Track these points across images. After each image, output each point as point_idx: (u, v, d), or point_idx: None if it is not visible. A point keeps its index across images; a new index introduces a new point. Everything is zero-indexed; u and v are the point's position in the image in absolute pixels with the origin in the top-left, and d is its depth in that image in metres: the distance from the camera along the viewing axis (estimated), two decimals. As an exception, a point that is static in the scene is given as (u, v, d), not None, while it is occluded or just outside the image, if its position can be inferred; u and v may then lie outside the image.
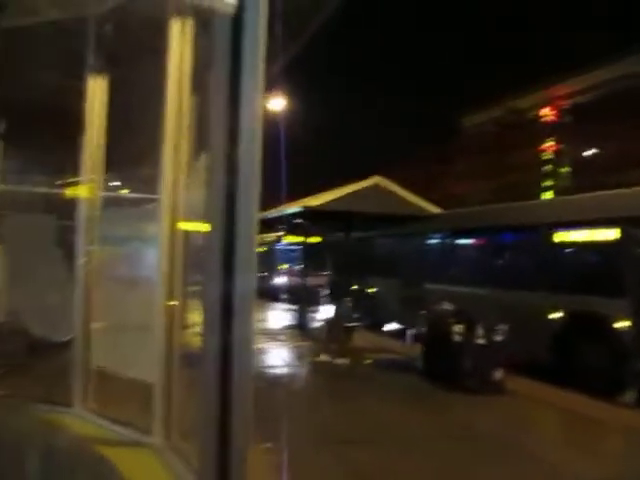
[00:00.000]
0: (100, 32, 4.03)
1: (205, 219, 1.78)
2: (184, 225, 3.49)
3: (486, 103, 35.22)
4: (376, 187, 12.44)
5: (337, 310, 10.47)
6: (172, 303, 3.46)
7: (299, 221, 14.73)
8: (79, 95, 4.15)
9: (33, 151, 4.79)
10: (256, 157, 1.61)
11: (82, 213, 4.11)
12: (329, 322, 10.35)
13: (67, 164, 4.63)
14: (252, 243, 1.60)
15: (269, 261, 26.29)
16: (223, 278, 1.56)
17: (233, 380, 1.58)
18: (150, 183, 3.76)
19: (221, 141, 1.62)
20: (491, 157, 29.75)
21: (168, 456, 3.20)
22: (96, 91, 4.08)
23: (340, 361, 10.06)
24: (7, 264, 4.64)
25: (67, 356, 4.10)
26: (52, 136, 4.43)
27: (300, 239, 19.39)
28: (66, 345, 4.15)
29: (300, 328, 14.62)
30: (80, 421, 3.90)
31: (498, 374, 8.33)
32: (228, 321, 1.58)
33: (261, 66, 1.66)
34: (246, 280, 1.58)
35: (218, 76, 1.67)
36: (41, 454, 3.71)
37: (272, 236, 26.80)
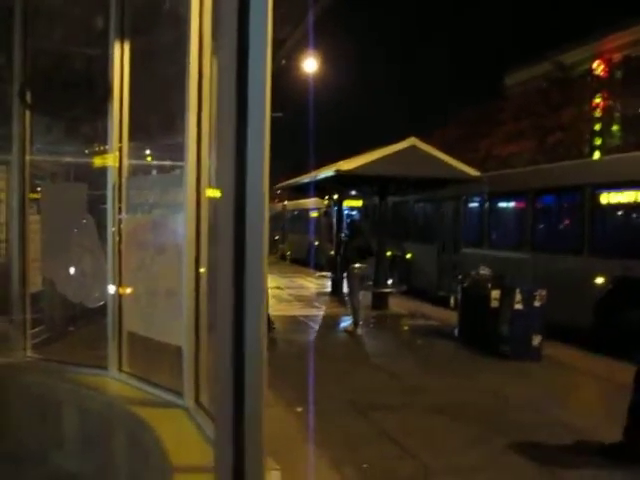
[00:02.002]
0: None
1: (217, 187, 1.86)
2: (210, 192, 3.57)
3: (530, 59, 34.04)
4: (412, 149, 12.25)
5: (366, 276, 10.55)
6: (199, 270, 3.57)
7: (333, 185, 14.75)
8: (105, 63, 4.24)
9: (62, 121, 4.94)
10: (265, 125, 1.66)
11: (111, 182, 4.25)
12: (359, 288, 10.44)
13: (95, 133, 4.77)
14: (262, 207, 1.67)
15: (306, 227, 26.50)
16: (234, 241, 1.64)
17: (246, 338, 1.67)
18: (176, 150, 3.85)
19: (228, 107, 1.67)
20: (535, 116, 28.87)
21: (198, 417, 3.37)
22: (120, 59, 4.17)
23: (363, 330, 10.16)
24: (43, 233, 4.85)
25: (101, 321, 4.30)
26: (80, 105, 4.55)
27: (333, 204, 19.47)
28: (100, 311, 4.34)
29: (336, 294, 14.80)
30: (115, 383, 4.11)
31: (536, 340, 8.31)
32: (240, 283, 1.66)
33: (269, 31, 1.69)
34: (257, 242, 1.66)
35: (224, 40, 1.71)
36: (78, 415, 3.95)
37: (306, 202, 26.96)
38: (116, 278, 4.20)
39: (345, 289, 12.10)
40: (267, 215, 1.73)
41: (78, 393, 4.01)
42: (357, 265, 10.37)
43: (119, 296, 4.20)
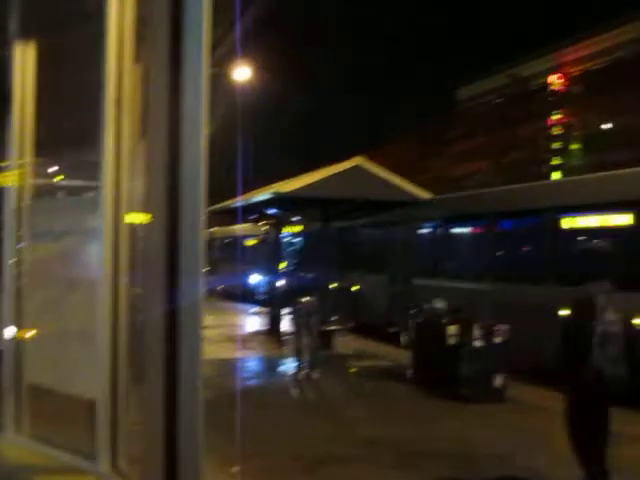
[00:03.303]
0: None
1: (146, 211, 1.79)
2: (131, 217, 3.46)
3: (483, 72, 35.41)
4: (358, 169, 12.45)
5: (314, 312, 10.49)
6: (118, 308, 3.43)
7: (271, 210, 14.73)
8: (3, 66, 4.08)
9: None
10: (201, 140, 1.62)
11: (10, 205, 4.06)
12: (305, 326, 10.37)
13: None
14: (198, 237, 1.61)
15: (238, 257, 26.31)
16: (166, 273, 1.57)
17: (180, 396, 1.59)
18: (90, 169, 3.72)
19: (161, 120, 1.62)
20: (490, 133, 29.94)
21: (115, 484, 3.20)
22: (23, 62, 4.02)
23: (315, 374, 10.10)
24: None
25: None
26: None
27: (269, 230, 19.42)
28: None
29: (273, 333, 14.66)
30: (13, 448, 3.86)
31: (499, 380, 8.47)
32: (173, 329, 1.59)
33: (207, 35, 1.66)
34: (192, 281, 1.59)
35: (156, 46, 1.67)
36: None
37: (239, 228, 26.82)
38: (15, 320, 3.98)
39: (285, 327, 12.03)
40: (203, 243, 1.67)
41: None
42: (303, 299, 10.30)
43: (19, 341, 3.97)
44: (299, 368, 10.21)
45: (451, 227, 13.96)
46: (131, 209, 3.38)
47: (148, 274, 1.65)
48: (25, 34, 4.01)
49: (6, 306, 4.03)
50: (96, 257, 3.50)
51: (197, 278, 1.63)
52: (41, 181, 4.35)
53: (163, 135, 1.62)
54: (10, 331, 4.01)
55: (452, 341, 8.88)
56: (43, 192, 4.35)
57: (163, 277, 1.58)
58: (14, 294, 4.00)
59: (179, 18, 1.65)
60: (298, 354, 10.31)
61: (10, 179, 4.11)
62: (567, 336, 5.08)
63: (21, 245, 4.06)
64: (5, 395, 3.99)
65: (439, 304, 9.90)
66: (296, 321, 10.49)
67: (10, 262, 4.06)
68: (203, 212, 1.67)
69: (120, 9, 3.27)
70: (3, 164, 4.24)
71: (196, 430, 1.62)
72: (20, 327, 3.97)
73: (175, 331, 1.58)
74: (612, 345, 4.84)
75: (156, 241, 1.60)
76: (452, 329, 8.94)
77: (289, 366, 10.69)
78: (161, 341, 1.59)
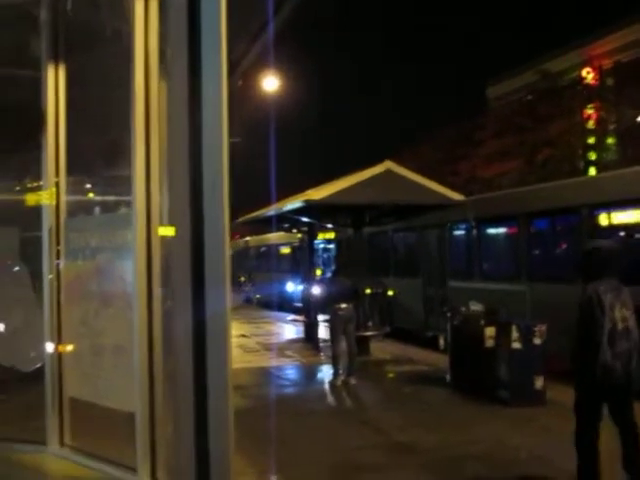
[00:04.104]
0: (56, 15, 4.06)
1: (170, 223, 1.81)
2: (163, 231, 3.50)
3: (512, 68, 34.99)
4: (388, 174, 12.39)
5: (351, 318, 10.46)
6: (153, 321, 3.48)
7: (303, 218, 14.77)
8: (37, 88, 4.18)
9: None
10: (222, 152, 1.63)
11: (47, 223, 4.15)
12: (342, 332, 10.34)
13: (27, 167, 4.67)
14: (222, 248, 1.62)
15: (274, 265, 26.43)
16: (192, 284, 1.58)
17: (210, 407, 1.60)
18: (122, 184, 3.79)
19: (181, 132, 1.64)
20: (521, 131, 29.56)
21: (155, 496, 3.23)
22: (55, 82, 4.11)
23: (353, 381, 10.07)
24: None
25: (38, 387, 4.14)
26: (9, 135, 4.47)
27: (303, 238, 19.46)
28: (36, 375, 4.19)
29: (310, 340, 14.68)
30: (56, 461, 3.94)
31: (539, 383, 8.31)
32: (200, 340, 1.60)
33: (224, 47, 1.67)
34: (218, 284, 1.60)
35: (175, 58, 1.69)
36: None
37: (273, 237, 26.95)
38: (54, 335, 4.06)
39: (322, 334, 12.04)
40: (228, 254, 1.68)
41: (12, 475, 3.83)
42: (342, 306, 10.27)
43: (59, 356, 4.05)
44: (336, 375, 10.18)
45: (485, 228, 13.83)
46: (162, 222, 3.42)
47: (174, 286, 1.67)
48: (55, 55, 4.11)
49: (45, 321, 4.11)
50: (130, 271, 3.56)
51: (223, 289, 1.64)
52: (75, 198, 4.44)
53: (183, 147, 1.64)
54: (50, 346, 4.10)
55: (490, 343, 8.76)
56: (78, 209, 4.45)
57: (188, 289, 1.59)
58: (53, 310, 4.09)
59: (197, 32, 1.67)
60: (335, 361, 10.29)
61: (46, 197, 4.20)
62: (578, 333, 5.00)
63: (58, 262, 4.14)
64: (47, 409, 4.07)
65: (475, 306, 9.78)
66: (333, 328, 10.46)
67: (48, 278, 4.15)
68: (227, 223, 1.68)
69: (145, 27, 3.33)
70: (38, 183, 4.34)
71: (226, 440, 1.63)
72: (59, 342, 4.05)
73: (202, 342, 1.59)
74: (624, 341, 4.76)
75: (180, 253, 1.62)
76: (489, 331, 8.82)
77: (326, 373, 10.67)
78: (189, 353, 1.60)
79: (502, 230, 13.80)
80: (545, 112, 29.19)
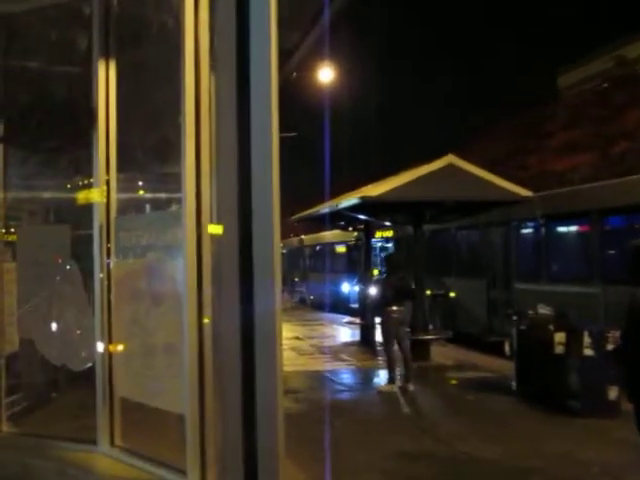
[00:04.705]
0: (106, 11, 4.20)
1: (219, 222, 1.86)
2: (213, 229, 3.58)
3: (585, 56, 34.09)
4: (450, 168, 12.28)
5: (403, 321, 10.43)
6: (202, 321, 3.56)
7: (359, 215, 14.78)
8: (88, 85, 4.33)
9: (39, 152, 5.03)
10: (272, 148, 1.66)
11: (97, 220, 4.29)
12: (395, 336, 10.32)
13: (78, 164, 4.84)
14: (272, 247, 1.66)
15: (329, 265, 26.52)
16: (240, 284, 1.62)
17: (258, 411, 1.64)
18: (172, 181, 3.89)
19: (230, 130, 1.68)
20: (595, 122, 28.77)
21: (205, 499, 3.31)
22: (105, 78, 4.25)
23: (411, 387, 10.03)
24: (20, 283, 4.88)
25: (89, 386, 4.29)
26: (60, 133, 4.64)
27: (359, 236, 19.46)
28: (87, 374, 4.34)
29: (366, 343, 14.69)
30: (106, 460, 4.07)
31: (613, 392, 8.11)
32: (249, 342, 1.64)
33: (274, 38, 1.71)
34: (268, 284, 1.64)
35: (223, 51, 1.74)
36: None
37: (329, 235, 27.03)
38: (105, 334, 4.20)
39: (379, 337, 12.01)
40: (279, 253, 1.71)
41: (63, 473, 3.98)
42: (395, 308, 10.24)
43: (109, 356, 4.19)
44: (392, 380, 10.16)
45: (554, 226, 13.56)
46: (213, 220, 3.50)
47: (222, 286, 1.72)
48: (106, 51, 4.25)
49: (96, 320, 4.26)
50: (180, 270, 3.65)
51: (272, 288, 1.68)
52: (126, 196, 4.57)
53: (231, 143, 1.68)
54: (100, 345, 4.24)
55: (560, 350, 8.60)
56: (128, 207, 4.58)
57: (236, 289, 1.63)
58: (103, 309, 4.23)
59: (245, 24, 1.70)
60: (390, 366, 10.27)
61: (97, 195, 4.35)
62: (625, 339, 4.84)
63: (109, 260, 4.28)
64: (98, 409, 4.21)
65: (544, 309, 9.61)
66: (386, 330, 10.45)
67: (99, 277, 4.29)
68: (277, 220, 1.72)
69: (195, 21, 3.41)
70: (89, 181, 4.49)
71: (275, 442, 1.67)
72: (109, 341, 4.19)
73: (250, 343, 1.63)
74: None
75: (228, 252, 1.66)
76: (559, 336, 8.66)
77: (383, 378, 10.66)
78: (237, 355, 1.65)
79: (573, 228, 13.50)
80: (621, 101, 28.35)
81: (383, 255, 21.85)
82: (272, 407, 1.63)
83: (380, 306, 10.74)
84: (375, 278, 15.65)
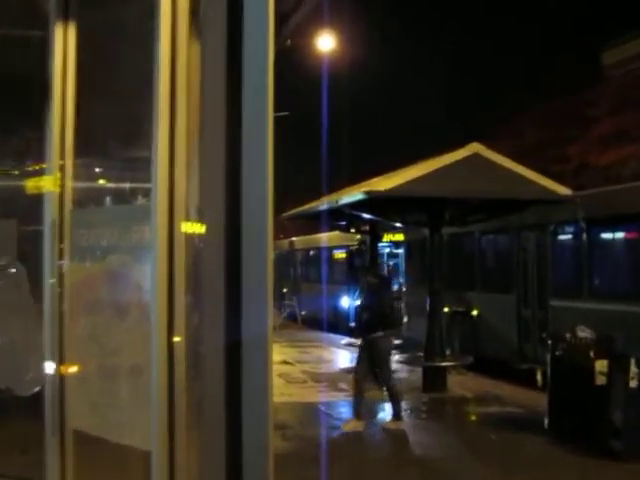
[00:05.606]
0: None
1: (202, 221, 1.87)
2: (189, 227, 3.58)
3: (634, 30, 34.17)
4: (475, 159, 12.30)
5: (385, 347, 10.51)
6: (176, 339, 3.57)
7: (364, 214, 14.81)
8: (41, 51, 4.33)
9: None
10: (265, 134, 1.68)
11: (49, 214, 4.29)
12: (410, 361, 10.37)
13: (28, 147, 4.85)
14: (265, 252, 1.67)
15: (326, 274, 26.51)
16: (225, 303, 1.64)
17: (245, 449, 1.66)
18: (140, 168, 3.89)
19: (217, 106, 1.70)
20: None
21: None
22: (63, 45, 4.26)
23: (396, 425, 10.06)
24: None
25: (37, 415, 4.29)
26: (7, 109, 4.65)
27: (363, 239, 19.45)
28: (35, 400, 4.34)
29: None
30: (55, 504, 4.07)
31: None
32: (235, 366, 1.66)
33: (271, 5, 1.73)
34: (258, 307, 1.65)
35: (211, 14, 1.75)
36: None
37: (325, 237, 27.05)
38: (57, 353, 4.20)
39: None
40: (271, 258, 1.73)
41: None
42: (380, 333, 10.28)
43: (61, 379, 4.19)
44: (396, 416, 10.23)
45: (599, 231, 13.58)
46: (188, 216, 3.50)
47: (204, 298, 1.73)
48: (64, 11, 4.25)
49: (46, 335, 4.25)
50: (149, 277, 3.65)
51: (264, 302, 1.69)
52: (84, 185, 4.57)
53: (219, 124, 1.69)
54: (50, 366, 4.24)
55: (601, 380, 8.64)
56: (88, 199, 4.58)
57: (221, 302, 1.64)
58: (55, 321, 4.22)
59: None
60: (393, 399, 10.34)
61: (49, 183, 4.34)
62: None
63: (62, 262, 4.28)
64: (46, 442, 4.21)
65: (584, 332, 9.64)
66: (378, 358, 10.50)
67: (50, 283, 4.29)
68: (271, 218, 1.73)
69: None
70: (41, 166, 4.50)
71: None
72: (62, 361, 4.19)
73: (237, 368, 1.64)
74: None
75: (213, 257, 1.67)
76: (602, 365, 8.70)
77: (390, 412, 10.68)
78: (220, 380, 1.66)
79: (622, 234, 13.52)
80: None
81: (395, 262, 21.90)
82: (261, 446, 1.65)
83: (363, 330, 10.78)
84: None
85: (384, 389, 10.72)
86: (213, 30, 1.77)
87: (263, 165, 1.70)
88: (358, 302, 12.83)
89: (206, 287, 1.73)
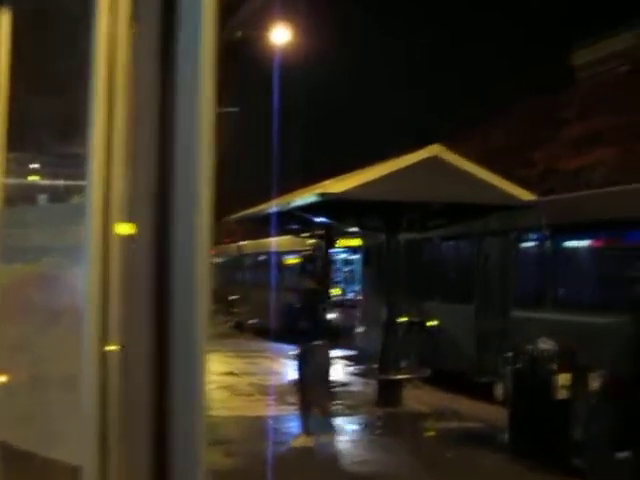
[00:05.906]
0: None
1: (130, 220, 1.86)
2: (123, 228, 3.56)
3: (607, 29, 34.74)
4: (436, 162, 12.39)
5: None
6: (109, 348, 3.54)
7: (317, 218, 14.82)
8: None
9: None
10: (204, 123, 1.67)
11: (-26, 212, 4.24)
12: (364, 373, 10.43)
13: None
14: (199, 256, 1.66)
15: (276, 281, 26.44)
16: (155, 305, 1.62)
17: (175, 466, 1.64)
18: (75, 165, 3.86)
19: (148, 97, 1.69)
20: (616, 111, 29.40)
21: None
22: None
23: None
24: None
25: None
26: None
27: (316, 245, 19.47)
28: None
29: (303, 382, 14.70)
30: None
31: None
32: (162, 376, 1.64)
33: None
34: (189, 314, 1.63)
35: (145, 15, 1.74)
36: None
37: (276, 242, 27.01)
38: (-20, 361, 4.15)
39: (339, 374, 12.05)
40: (207, 263, 1.71)
41: None
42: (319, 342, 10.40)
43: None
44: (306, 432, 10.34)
45: (563, 239, 13.75)
46: (124, 216, 3.48)
47: (130, 304, 1.72)
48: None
49: (-30, 343, 4.20)
50: (83, 280, 3.63)
51: (196, 310, 1.67)
52: (14, 181, 4.52)
53: (150, 116, 1.67)
54: (-26, 375, 4.18)
55: (563, 395, 8.76)
56: (17, 196, 4.53)
57: (147, 308, 1.62)
58: (-21, 328, 4.17)
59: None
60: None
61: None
62: None
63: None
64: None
65: (546, 344, 9.77)
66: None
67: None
68: (207, 220, 1.72)
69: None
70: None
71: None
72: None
73: (165, 380, 1.62)
74: None
75: (140, 260, 1.65)
76: (564, 379, 8.82)
77: (345, 428, 10.72)
78: (146, 392, 1.64)
79: (588, 243, 13.67)
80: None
81: (350, 269, 21.92)
82: (193, 462, 1.63)
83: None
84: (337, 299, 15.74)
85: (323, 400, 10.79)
86: (146, 20, 1.74)
87: (199, 162, 1.67)
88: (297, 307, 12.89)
89: (135, 291, 1.71)
